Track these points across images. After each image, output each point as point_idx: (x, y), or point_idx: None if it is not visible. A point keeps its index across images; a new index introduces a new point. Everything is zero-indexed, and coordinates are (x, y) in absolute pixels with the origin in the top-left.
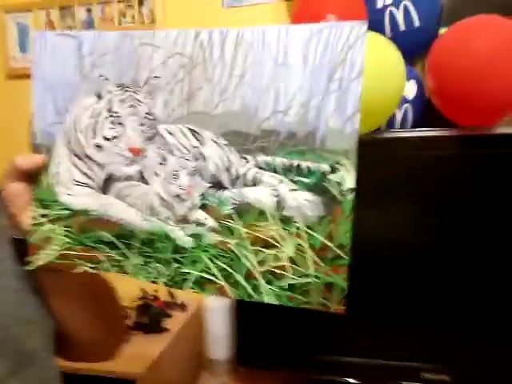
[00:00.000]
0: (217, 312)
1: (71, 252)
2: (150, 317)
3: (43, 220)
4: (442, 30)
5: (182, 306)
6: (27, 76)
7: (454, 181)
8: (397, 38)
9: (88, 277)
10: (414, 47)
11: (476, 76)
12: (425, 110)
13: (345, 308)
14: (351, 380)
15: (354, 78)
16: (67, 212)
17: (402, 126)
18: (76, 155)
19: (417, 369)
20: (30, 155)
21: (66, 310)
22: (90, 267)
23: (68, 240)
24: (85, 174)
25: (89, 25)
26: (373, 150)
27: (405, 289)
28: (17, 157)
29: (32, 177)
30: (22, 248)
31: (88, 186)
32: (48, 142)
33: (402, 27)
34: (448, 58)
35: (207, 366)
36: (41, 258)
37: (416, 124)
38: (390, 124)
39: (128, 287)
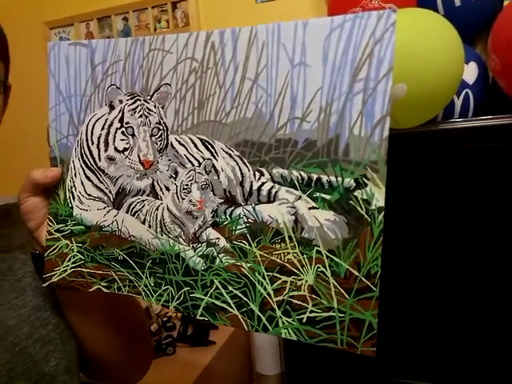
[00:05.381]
0: None
1: (84, 269)
2: (195, 328)
3: (58, 235)
4: (506, 2)
5: None
6: None
7: None
8: (452, 15)
9: (108, 296)
10: (472, 24)
11: None
12: (488, 95)
13: (374, 350)
14: None
15: (381, 76)
16: (81, 227)
17: (463, 114)
18: (89, 168)
19: None
20: (46, 169)
21: (85, 330)
22: (104, 286)
23: (81, 256)
24: (97, 187)
25: (125, 33)
26: (428, 143)
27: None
28: (33, 170)
29: (48, 191)
30: (41, 264)
31: (101, 200)
32: (64, 154)
33: (458, 2)
34: None
35: (257, 380)
36: (55, 275)
37: (479, 111)
38: (449, 113)
39: None
